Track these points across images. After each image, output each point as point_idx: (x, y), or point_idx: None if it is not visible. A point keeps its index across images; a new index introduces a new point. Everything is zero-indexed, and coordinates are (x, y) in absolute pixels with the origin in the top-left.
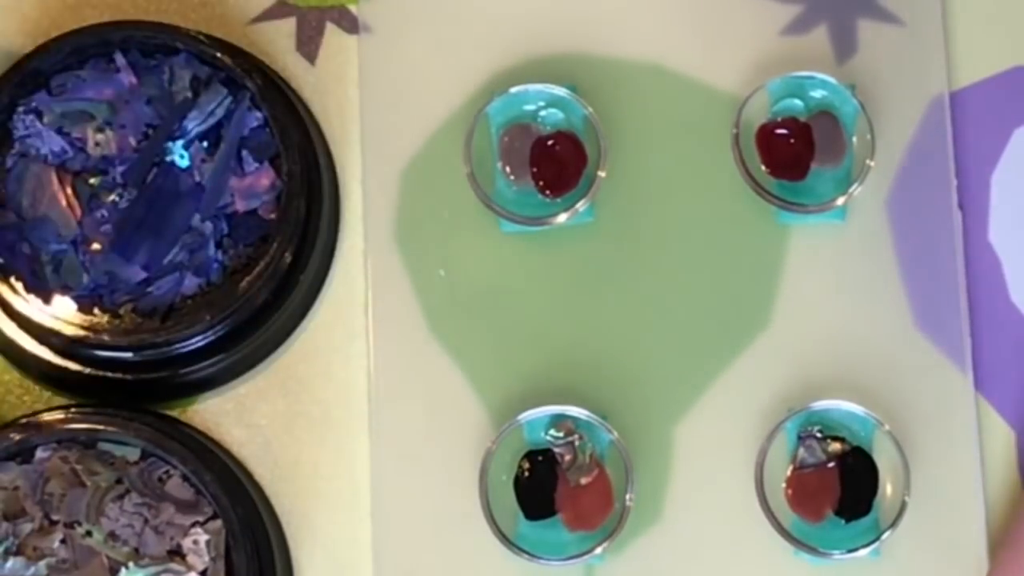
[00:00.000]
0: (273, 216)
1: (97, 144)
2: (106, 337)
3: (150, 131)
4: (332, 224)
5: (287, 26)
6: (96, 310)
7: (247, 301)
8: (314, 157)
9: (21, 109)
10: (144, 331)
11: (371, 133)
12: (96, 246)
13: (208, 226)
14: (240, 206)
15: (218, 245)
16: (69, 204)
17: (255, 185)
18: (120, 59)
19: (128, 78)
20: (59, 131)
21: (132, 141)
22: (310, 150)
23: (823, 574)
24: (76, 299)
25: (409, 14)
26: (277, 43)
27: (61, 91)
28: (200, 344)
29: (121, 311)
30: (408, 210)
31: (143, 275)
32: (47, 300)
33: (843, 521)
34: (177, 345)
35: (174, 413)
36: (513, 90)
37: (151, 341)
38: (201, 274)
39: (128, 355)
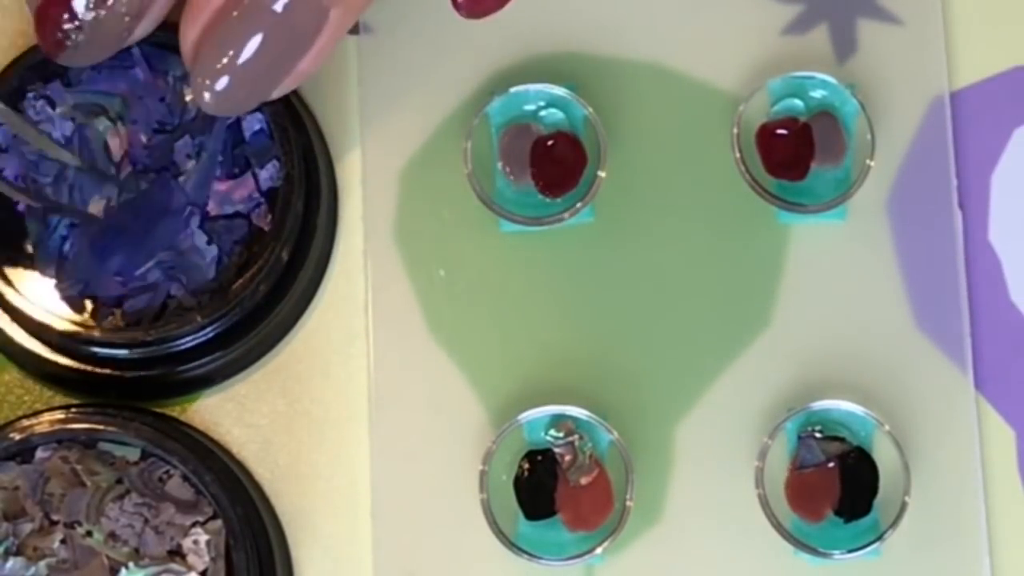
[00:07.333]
0: (268, 219)
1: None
2: (97, 334)
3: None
4: (330, 225)
5: None
6: (88, 305)
7: (240, 303)
8: (313, 158)
9: (31, 95)
10: (137, 330)
11: (371, 133)
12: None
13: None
14: (227, 209)
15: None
16: None
17: (234, 191)
18: (136, 52)
19: (143, 73)
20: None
21: (143, 138)
22: (309, 151)
23: (823, 574)
24: (66, 294)
25: (409, 14)
26: None
27: (77, 82)
28: (196, 342)
29: (113, 312)
30: (408, 210)
31: (117, 282)
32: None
33: (843, 521)
34: (172, 343)
35: (174, 413)
36: (513, 90)
37: (142, 339)
38: (195, 277)
39: (124, 352)
